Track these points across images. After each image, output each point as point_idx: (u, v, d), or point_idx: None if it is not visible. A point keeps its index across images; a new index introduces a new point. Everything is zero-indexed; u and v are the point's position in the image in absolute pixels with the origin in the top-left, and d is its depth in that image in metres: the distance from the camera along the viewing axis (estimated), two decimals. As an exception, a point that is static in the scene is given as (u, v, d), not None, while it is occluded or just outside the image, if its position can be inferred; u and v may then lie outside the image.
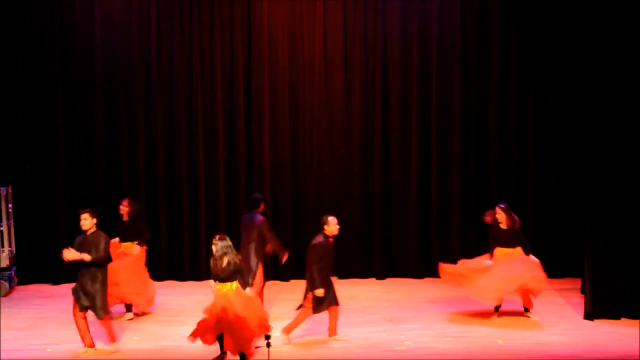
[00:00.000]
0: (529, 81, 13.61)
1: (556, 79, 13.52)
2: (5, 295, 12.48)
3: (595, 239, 11.01)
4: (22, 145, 13.25)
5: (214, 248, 9.37)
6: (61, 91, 13.29)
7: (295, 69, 13.66)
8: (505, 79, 13.63)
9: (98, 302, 9.53)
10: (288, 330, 10.17)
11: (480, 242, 13.63)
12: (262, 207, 11.33)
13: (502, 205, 11.13)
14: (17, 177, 13.19)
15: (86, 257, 9.45)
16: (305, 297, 10.11)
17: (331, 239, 10.16)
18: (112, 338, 9.88)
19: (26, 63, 13.24)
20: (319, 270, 9.94)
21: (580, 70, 12.53)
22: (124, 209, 11.47)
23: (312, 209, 13.35)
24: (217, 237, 9.46)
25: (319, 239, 10.09)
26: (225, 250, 9.30)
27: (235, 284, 9.34)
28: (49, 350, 9.91)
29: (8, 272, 12.67)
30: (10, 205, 12.89)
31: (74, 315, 9.63)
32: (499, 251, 11.07)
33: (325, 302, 10.06)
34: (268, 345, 8.39)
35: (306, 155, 13.74)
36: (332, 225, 10.10)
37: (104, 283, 9.60)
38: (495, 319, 11.03)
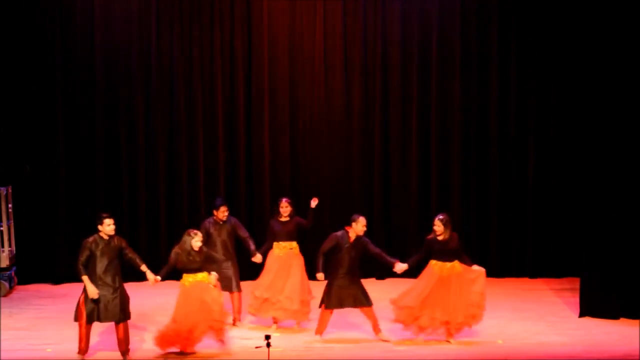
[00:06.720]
0: (529, 81, 13.61)
1: (557, 78, 13.52)
2: (5, 295, 12.47)
3: (592, 237, 11.04)
4: (22, 145, 13.25)
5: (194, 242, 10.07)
6: (61, 91, 13.28)
7: (295, 69, 13.66)
8: (506, 79, 13.63)
9: None
10: (319, 331, 10.27)
11: (480, 241, 13.72)
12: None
13: (441, 217, 10.12)
14: (17, 177, 13.18)
15: None
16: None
17: (351, 238, 10.08)
18: None
19: (26, 63, 13.21)
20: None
21: (581, 70, 12.52)
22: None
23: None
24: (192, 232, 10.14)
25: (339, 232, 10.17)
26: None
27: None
28: (49, 350, 9.90)
29: (8, 272, 12.66)
30: (10, 205, 12.88)
31: None
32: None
33: (335, 299, 10.06)
34: (268, 345, 8.37)
35: (306, 155, 13.74)
36: (359, 225, 10.08)
37: None
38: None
